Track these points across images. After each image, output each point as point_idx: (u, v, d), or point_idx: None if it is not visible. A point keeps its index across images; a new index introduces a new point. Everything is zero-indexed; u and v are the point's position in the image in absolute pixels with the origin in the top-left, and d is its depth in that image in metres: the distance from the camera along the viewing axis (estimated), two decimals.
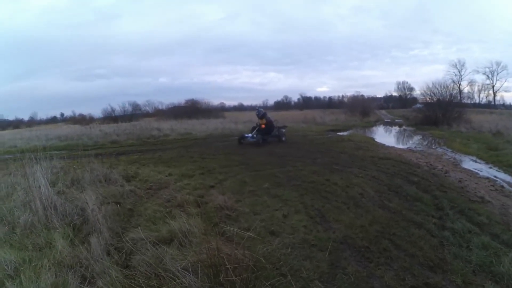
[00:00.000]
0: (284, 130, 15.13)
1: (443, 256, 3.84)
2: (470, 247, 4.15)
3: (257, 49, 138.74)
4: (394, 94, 76.90)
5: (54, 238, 4.00)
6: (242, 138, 14.05)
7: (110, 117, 42.31)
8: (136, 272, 3.09)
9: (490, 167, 10.16)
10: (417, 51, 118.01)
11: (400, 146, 15.35)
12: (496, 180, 8.32)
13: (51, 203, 4.93)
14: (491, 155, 11.69)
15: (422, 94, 33.10)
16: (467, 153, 12.64)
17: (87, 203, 4.79)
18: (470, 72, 62.72)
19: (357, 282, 3.11)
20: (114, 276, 3.02)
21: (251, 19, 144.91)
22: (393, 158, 10.14)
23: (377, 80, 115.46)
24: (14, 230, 4.43)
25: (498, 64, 56.81)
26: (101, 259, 3.43)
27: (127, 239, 3.96)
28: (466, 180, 8.04)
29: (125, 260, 3.54)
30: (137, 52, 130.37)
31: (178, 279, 2.78)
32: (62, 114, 64.87)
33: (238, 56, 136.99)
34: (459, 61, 57.37)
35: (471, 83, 57.08)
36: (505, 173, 9.20)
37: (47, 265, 3.29)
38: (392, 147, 14.01)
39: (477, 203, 6.10)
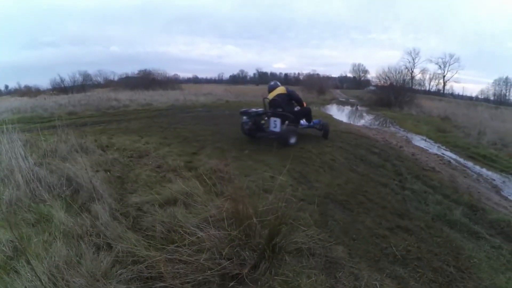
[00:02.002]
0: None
1: (407, 208, 4.67)
2: (427, 202, 5.05)
3: (218, 21, 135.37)
4: (349, 75, 79.31)
5: (48, 211, 3.81)
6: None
7: (60, 88, 39.06)
8: (152, 233, 3.23)
9: (439, 146, 11.48)
10: (375, 35, 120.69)
11: (357, 123, 16.61)
12: (444, 156, 9.63)
13: (33, 175, 4.64)
14: (439, 136, 13.11)
15: (377, 77, 35.83)
16: (418, 133, 13.94)
17: (86, 169, 4.64)
18: (423, 61, 66.48)
19: (345, 226, 3.78)
20: (133, 239, 3.02)
21: None
22: (354, 132, 11.06)
23: (334, 60, 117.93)
24: None
25: (451, 56, 60.90)
26: (111, 224, 3.38)
27: (131, 203, 4.04)
28: (418, 154, 9.23)
29: (133, 223, 3.57)
30: (90, 18, 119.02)
31: (198, 233, 2.97)
32: (6, 87, 58.49)
33: (197, 28, 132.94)
34: (414, 49, 61.17)
35: (423, 71, 60.80)
36: (452, 152, 10.58)
37: (51, 239, 3.16)
38: (350, 124, 15.17)
39: (429, 171, 7.14)
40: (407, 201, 4.99)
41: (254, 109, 8.28)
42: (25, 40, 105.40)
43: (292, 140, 7.57)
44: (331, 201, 4.46)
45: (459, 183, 6.74)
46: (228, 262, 2.64)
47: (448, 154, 10.22)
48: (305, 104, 8.66)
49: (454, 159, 9.42)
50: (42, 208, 3.90)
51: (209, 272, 2.56)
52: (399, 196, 5.13)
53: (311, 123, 8.76)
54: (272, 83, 8.74)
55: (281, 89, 8.26)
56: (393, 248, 3.42)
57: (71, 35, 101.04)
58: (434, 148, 11.04)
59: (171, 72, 59.52)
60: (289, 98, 8.26)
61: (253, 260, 2.71)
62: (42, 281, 2.47)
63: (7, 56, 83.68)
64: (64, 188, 4.56)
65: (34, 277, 2.54)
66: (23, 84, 49.27)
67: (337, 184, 5.14)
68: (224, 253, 2.71)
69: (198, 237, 2.92)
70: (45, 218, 3.70)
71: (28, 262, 2.72)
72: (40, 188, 4.45)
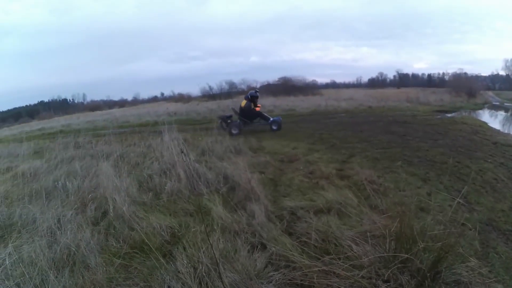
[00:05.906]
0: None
1: None
2: None
3: (349, 22, 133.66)
4: (501, 73, 67.72)
5: (205, 205, 4.20)
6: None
7: (208, 95, 43.78)
8: (306, 239, 3.26)
9: None
10: None
11: None
12: None
13: (193, 170, 5.23)
14: None
15: None
16: None
17: (246, 170, 5.05)
18: None
19: (508, 261, 3.33)
20: (288, 243, 3.11)
21: None
22: None
23: (481, 56, 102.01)
24: (158, 197, 4.70)
25: None
26: (267, 225, 3.56)
27: (285, 207, 4.20)
28: None
29: (287, 227, 3.65)
30: (229, 33, 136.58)
31: (353, 247, 2.95)
32: (162, 94, 69.95)
33: (329, 32, 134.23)
34: None
35: None
36: None
37: (208, 230, 3.34)
38: (510, 134, 12.98)
39: None
40: None
41: None
42: (174, 55, 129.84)
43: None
44: (493, 229, 3.99)
45: None
46: (385, 285, 2.59)
47: None
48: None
49: None
50: (200, 201, 4.38)
51: None
52: None
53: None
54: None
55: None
56: None
57: (213, 49, 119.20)
58: None
59: (309, 78, 60.33)
60: None
61: (411, 286, 2.62)
62: (197, 269, 2.70)
63: (161, 69, 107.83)
64: (221, 185, 5.11)
65: (189, 264, 2.78)
66: (176, 92, 57.50)
67: (500, 210, 4.54)
68: (382, 275, 2.68)
69: (353, 252, 2.94)
70: (203, 210, 4.06)
71: (185, 249, 3.05)
72: (199, 182, 5.05)
